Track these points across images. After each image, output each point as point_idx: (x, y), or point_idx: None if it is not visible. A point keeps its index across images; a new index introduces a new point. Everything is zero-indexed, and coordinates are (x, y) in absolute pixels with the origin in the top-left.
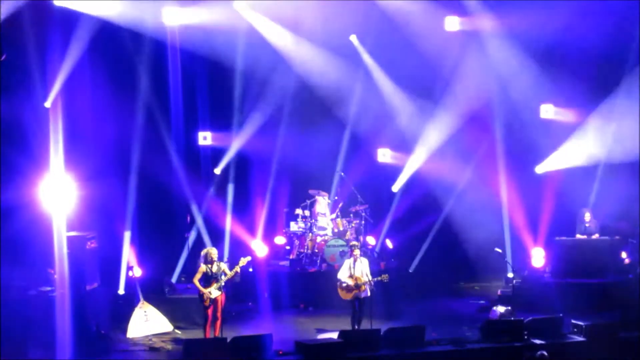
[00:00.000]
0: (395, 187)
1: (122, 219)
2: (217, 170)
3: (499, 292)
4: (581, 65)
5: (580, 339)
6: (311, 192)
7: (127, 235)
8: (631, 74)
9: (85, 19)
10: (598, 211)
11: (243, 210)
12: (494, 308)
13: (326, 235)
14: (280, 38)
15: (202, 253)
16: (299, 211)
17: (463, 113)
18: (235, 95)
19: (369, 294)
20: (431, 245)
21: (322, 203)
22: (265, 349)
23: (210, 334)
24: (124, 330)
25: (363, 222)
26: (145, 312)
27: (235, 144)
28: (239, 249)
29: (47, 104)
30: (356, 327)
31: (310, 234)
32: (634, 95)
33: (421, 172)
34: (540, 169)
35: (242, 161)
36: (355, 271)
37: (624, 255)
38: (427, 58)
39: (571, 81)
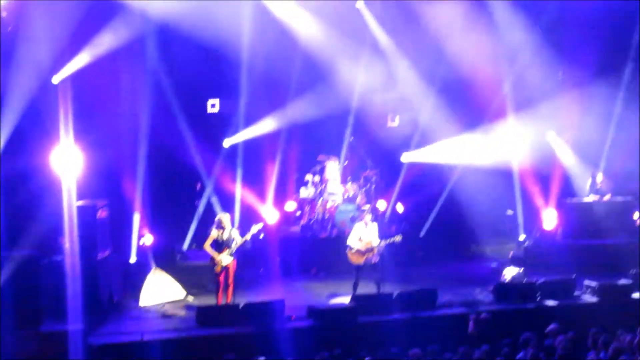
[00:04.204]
0: (405, 158)
1: (132, 188)
2: (226, 144)
3: (510, 254)
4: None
5: (593, 300)
6: (321, 157)
7: (138, 204)
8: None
9: None
10: (610, 172)
11: (253, 177)
12: (506, 270)
13: (336, 200)
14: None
15: (216, 218)
16: (309, 177)
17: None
18: (244, 62)
19: (378, 258)
20: (442, 209)
21: (332, 168)
22: (277, 314)
23: (222, 301)
24: (137, 298)
25: (373, 186)
26: (157, 279)
27: (244, 111)
28: (249, 215)
29: (55, 80)
30: (357, 292)
31: (321, 200)
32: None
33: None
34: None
35: (251, 127)
36: (366, 236)
37: (636, 216)
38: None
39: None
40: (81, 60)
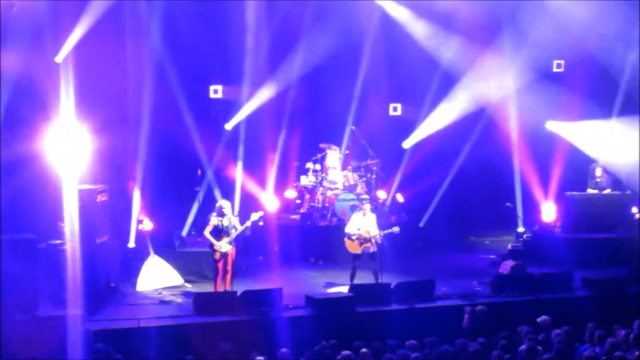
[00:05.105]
0: (406, 144)
1: (132, 172)
2: (228, 126)
3: (509, 246)
4: None
5: (590, 293)
6: (322, 145)
7: (137, 189)
8: None
9: None
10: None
11: (254, 164)
12: (504, 262)
13: (337, 189)
14: None
15: (217, 205)
16: (309, 165)
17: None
18: (247, 48)
19: (376, 248)
20: (442, 200)
21: (333, 157)
22: (275, 302)
23: (220, 288)
24: (134, 284)
25: (374, 176)
26: (155, 265)
27: (246, 98)
28: (249, 202)
29: (58, 59)
30: (354, 282)
31: (321, 188)
32: None
33: (432, 126)
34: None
35: (253, 114)
36: (364, 225)
37: (634, 210)
38: None
39: None
40: (78, 33)
